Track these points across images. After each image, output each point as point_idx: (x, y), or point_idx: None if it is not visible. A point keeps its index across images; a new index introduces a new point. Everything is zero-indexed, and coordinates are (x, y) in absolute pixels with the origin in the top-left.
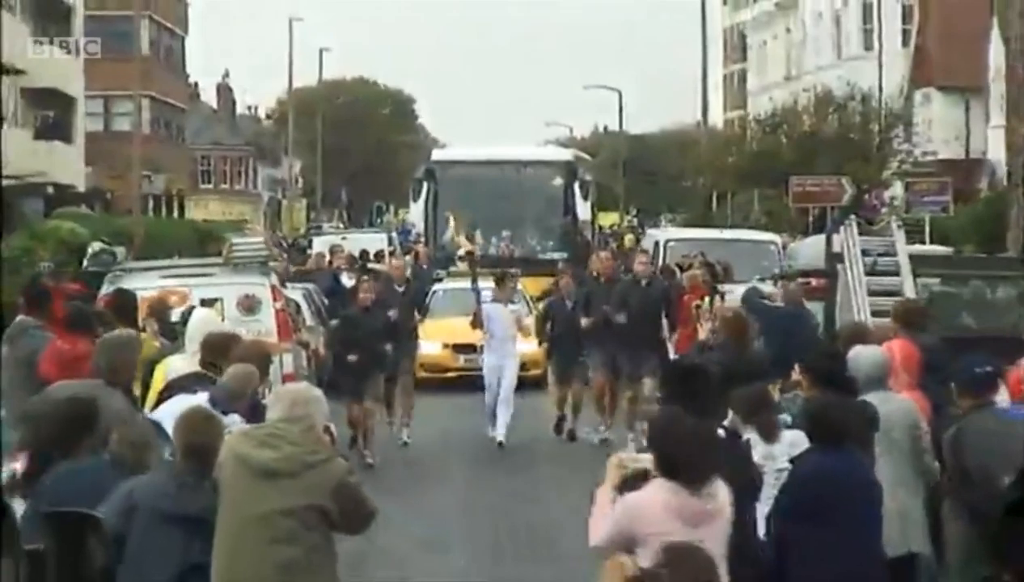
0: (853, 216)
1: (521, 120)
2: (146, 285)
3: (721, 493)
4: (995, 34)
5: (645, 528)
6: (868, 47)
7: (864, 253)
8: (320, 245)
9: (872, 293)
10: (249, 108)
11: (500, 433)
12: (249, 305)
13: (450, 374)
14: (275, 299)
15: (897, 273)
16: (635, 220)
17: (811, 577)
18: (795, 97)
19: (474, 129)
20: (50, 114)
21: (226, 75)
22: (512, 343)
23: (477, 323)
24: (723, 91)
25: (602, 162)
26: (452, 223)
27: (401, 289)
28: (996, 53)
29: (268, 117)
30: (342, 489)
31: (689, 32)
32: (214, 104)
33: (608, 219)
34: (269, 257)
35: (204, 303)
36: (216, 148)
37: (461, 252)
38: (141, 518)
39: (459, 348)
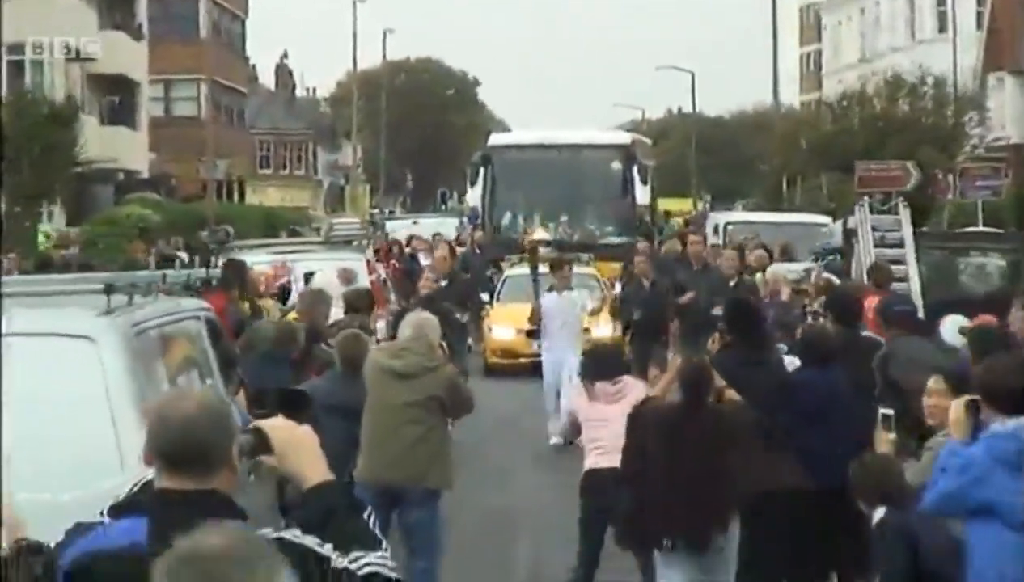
0: (866, 198)
1: (591, 103)
2: (256, 260)
3: (628, 382)
4: None
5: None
6: (942, 29)
7: (873, 229)
8: (394, 229)
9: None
10: (307, 89)
11: (556, 435)
12: (347, 277)
13: (523, 360)
14: (370, 272)
15: (901, 245)
16: (708, 206)
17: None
18: (864, 81)
19: (542, 112)
20: (115, 100)
21: (285, 56)
22: (570, 335)
23: (535, 318)
24: (799, 72)
25: (674, 145)
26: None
27: (443, 282)
28: None
29: (328, 98)
30: (452, 386)
31: (763, 12)
32: (272, 85)
33: (681, 205)
34: (364, 235)
35: (308, 276)
36: (275, 133)
37: (539, 236)
38: (314, 409)
39: (532, 334)
